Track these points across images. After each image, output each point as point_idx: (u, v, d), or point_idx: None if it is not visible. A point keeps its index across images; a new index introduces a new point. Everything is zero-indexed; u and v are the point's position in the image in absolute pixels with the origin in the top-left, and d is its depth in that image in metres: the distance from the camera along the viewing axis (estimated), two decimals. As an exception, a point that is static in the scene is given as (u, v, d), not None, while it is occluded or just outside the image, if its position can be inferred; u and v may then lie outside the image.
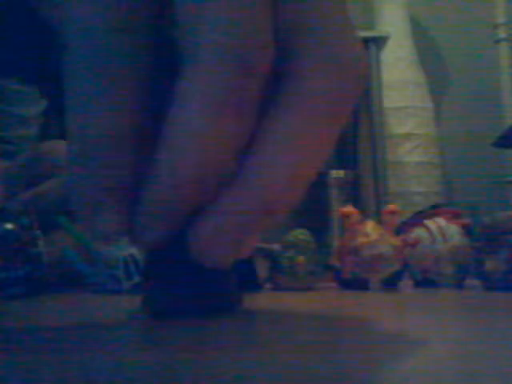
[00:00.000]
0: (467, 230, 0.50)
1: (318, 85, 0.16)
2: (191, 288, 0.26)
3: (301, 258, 0.50)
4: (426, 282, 0.50)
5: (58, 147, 0.51)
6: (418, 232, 0.51)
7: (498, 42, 1.60)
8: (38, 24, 0.17)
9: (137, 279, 0.46)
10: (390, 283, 0.49)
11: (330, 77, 0.16)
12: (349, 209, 0.52)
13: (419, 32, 1.75)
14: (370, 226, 0.50)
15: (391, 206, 0.52)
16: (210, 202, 0.17)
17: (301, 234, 0.51)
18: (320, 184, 1.46)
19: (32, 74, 0.16)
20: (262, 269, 0.50)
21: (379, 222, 0.52)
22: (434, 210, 0.53)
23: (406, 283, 0.52)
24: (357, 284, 0.49)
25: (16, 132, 0.68)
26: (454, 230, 0.50)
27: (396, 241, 0.50)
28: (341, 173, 1.48)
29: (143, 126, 0.16)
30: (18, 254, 0.41)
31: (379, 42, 1.48)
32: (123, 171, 0.16)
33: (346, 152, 1.67)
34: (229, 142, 0.16)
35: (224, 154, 0.16)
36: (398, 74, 1.58)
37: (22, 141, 0.68)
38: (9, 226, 0.42)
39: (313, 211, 1.39)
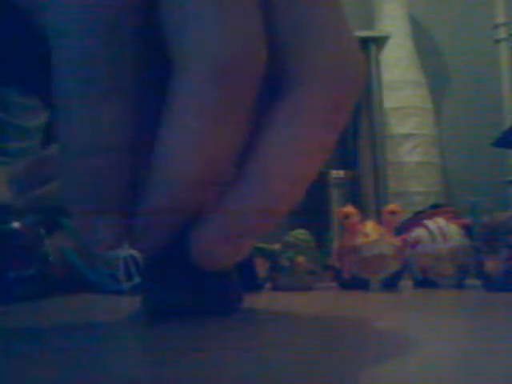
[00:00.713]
0: (467, 230, 0.50)
1: (318, 90, 0.16)
2: (191, 288, 0.26)
3: (301, 258, 0.50)
4: (425, 282, 0.50)
5: None
6: (417, 232, 0.51)
7: (498, 41, 1.60)
8: (33, 29, 0.17)
9: (137, 279, 0.46)
10: (390, 283, 0.49)
11: (329, 82, 0.16)
12: (349, 209, 0.52)
13: (419, 32, 1.75)
14: (369, 226, 0.50)
15: (391, 206, 0.52)
16: (210, 206, 0.16)
17: (301, 234, 0.51)
18: (320, 184, 1.46)
19: (32, 82, 0.15)
20: (261, 269, 0.50)
21: (379, 222, 0.52)
22: (434, 210, 0.53)
23: (405, 283, 0.52)
24: (357, 284, 0.49)
25: (15, 144, 0.69)
26: (454, 230, 0.50)
27: (396, 241, 0.50)
28: (341, 173, 1.48)
29: (136, 135, 0.16)
30: (26, 253, 0.41)
31: (379, 41, 1.48)
32: (117, 180, 0.16)
33: (346, 152, 1.67)
34: (226, 148, 0.15)
35: (222, 159, 0.16)
36: (398, 74, 1.58)
37: (21, 152, 0.68)
38: (15, 224, 0.42)
39: (313, 211, 1.39)
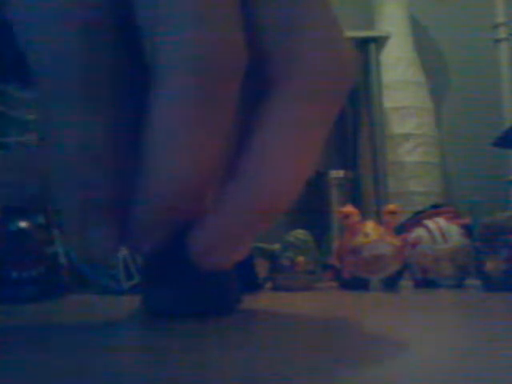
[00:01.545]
0: (467, 230, 0.50)
1: (310, 90, 0.16)
2: (191, 288, 0.26)
3: (301, 258, 0.50)
4: (425, 282, 0.50)
5: None
6: (417, 232, 0.51)
7: (498, 41, 1.60)
8: None
9: (137, 279, 0.46)
10: (390, 283, 0.50)
11: (323, 81, 0.16)
12: (349, 209, 0.52)
13: (419, 32, 1.75)
14: (369, 226, 0.50)
15: (391, 206, 0.52)
16: (207, 206, 0.16)
17: (301, 234, 0.51)
18: (320, 184, 1.46)
19: (31, 76, 0.15)
20: (261, 269, 0.50)
21: (379, 222, 0.52)
22: (434, 210, 0.53)
23: (405, 283, 0.52)
24: (357, 284, 0.49)
25: (14, 137, 0.68)
26: (453, 230, 0.50)
27: (396, 241, 0.50)
28: (341, 173, 1.48)
29: (121, 137, 0.16)
30: (30, 254, 0.41)
31: (379, 41, 1.48)
32: (105, 186, 0.16)
33: (346, 152, 1.67)
34: (211, 145, 0.15)
35: (208, 156, 0.15)
36: (398, 74, 1.58)
37: (20, 146, 0.68)
38: (22, 224, 0.41)
39: (313, 211, 1.38)
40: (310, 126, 0.16)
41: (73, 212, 0.16)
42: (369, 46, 1.45)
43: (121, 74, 0.16)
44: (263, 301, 0.40)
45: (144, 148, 0.15)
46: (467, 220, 0.52)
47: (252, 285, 0.48)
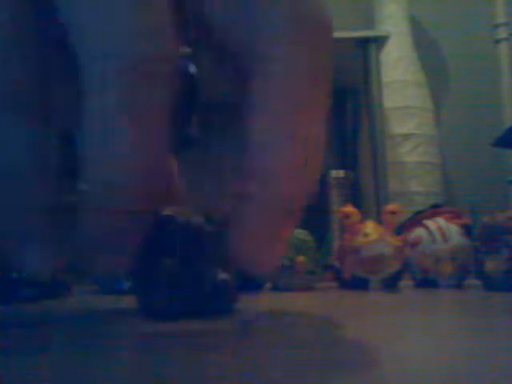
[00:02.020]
0: (467, 230, 0.50)
1: (294, 66, 0.16)
2: (189, 288, 0.26)
3: (301, 258, 0.50)
4: (425, 282, 0.50)
5: None
6: (417, 232, 0.51)
7: (498, 42, 1.60)
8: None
9: (137, 279, 0.46)
10: (390, 283, 0.50)
11: (296, 52, 0.16)
12: (349, 209, 0.52)
13: (419, 32, 1.75)
14: (370, 226, 0.50)
15: (391, 206, 0.52)
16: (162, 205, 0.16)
17: (301, 234, 0.51)
18: (320, 184, 1.46)
19: None
20: (261, 269, 0.50)
21: (379, 222, 0.52)
22: (434, 210, 0.53)
23: (406, 283, 0.52)
24: (357, 284, 0.49)
25: None
26: (453, 230, 0.50)
27: (396, 241, 0.50)
28: (341, 173, 1.48)
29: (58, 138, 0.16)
30: None
31: (379, 41, 1.48)
32: (44, 192, 0.15)
33: (346, 152, 1.67)
34: (144, 150, 0.14)
35: (147, 166, 0.15)
36: (398, 74, 1.58)
37: None
38: None
39: (313, 211, 1.38)
40: (303, 102, 0.16)
41: (9, 225, 0.15)
42: (369, 45, 1.45)
43: (52, 74, 0.15)
44: (263, 301, 0.40)
45: (81, 157, 0.15)
46: (467, 220, 0.52)
47: (252, 285, 0.48)
